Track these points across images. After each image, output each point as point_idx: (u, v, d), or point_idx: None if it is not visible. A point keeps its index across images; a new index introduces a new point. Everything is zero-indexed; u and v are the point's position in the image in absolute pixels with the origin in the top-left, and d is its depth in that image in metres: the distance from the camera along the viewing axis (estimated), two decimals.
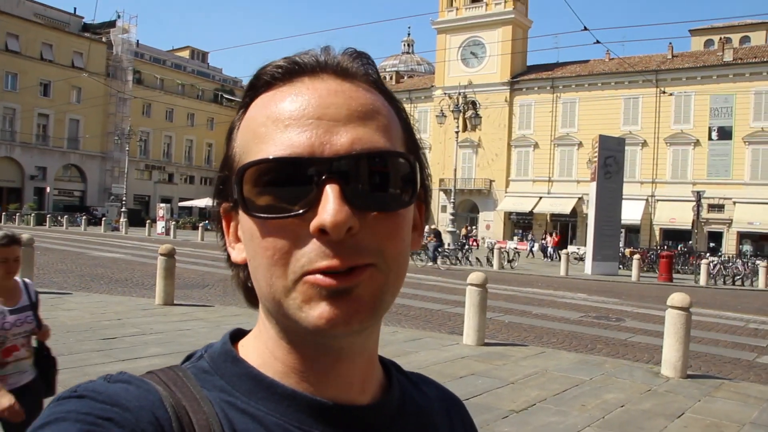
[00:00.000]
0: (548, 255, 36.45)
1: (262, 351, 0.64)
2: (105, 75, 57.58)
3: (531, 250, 40.48)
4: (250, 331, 0.69)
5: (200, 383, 0.61)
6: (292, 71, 0.61)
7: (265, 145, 0.57)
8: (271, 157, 0.56)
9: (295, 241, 0.56)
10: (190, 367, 0.65)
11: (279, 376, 0.62)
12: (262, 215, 0.57)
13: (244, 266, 0.65)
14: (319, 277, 0.55)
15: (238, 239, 0.65)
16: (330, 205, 0.54)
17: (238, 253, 0.65)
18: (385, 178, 0.58)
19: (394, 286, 0.60)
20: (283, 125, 0.57)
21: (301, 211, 0.55)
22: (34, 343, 3.39)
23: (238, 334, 0.69)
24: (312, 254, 0.55)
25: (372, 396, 0.67)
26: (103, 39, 58.63)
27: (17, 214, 45.21)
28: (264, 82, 0.63)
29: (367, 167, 0.57)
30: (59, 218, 45.45)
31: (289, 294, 0.57)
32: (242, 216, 0.60)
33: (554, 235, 38.65)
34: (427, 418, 0.72)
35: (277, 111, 0.59)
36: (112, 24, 59.39)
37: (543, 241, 39.54)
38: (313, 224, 0.54)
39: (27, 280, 3.48)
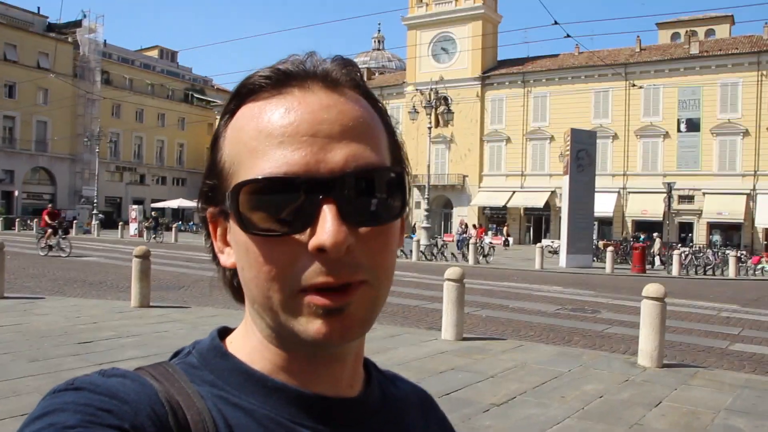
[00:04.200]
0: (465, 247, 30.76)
1: (252, 349, 0.65)
2: (72, 76, 56.63)
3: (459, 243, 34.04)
4: (236, 328, 0.70)
5: (189, 378, 0.62)
6: (280, 80, 0.61)
7: (259, 161, 0.58)
8: (266, 175, 0.57)
9: (292, 259, 0.57)
10: (179, 362, 0.65)
11: (268, 371, 0.63)
12: (260, 233, 0.57)
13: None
14: (315, 297, 0.57)
15: (226, 243, 0.65)
16: (328, 225, 0.55)
17: (227, 258, 0.66)
18: (378, 194, 0.59)
19: (384, 297, 0.62)
20: (276, 141, 0.58)
21: (298, 230, 0.56)
22: None
23: (225, 331, 0.70)
24: (309, 271, 0.56)
25: (357, 391, 0.69)
26: (69, 39, 57.64)
27: None
28: (249, 90, 0.62)
29: (362, 184, 0.58)
30: (28, 222, 44.65)
31: (286, 308, 0.58)
32: (235, 227, 0.60)
33: (478, 226, 37.37)
34: (405, 412, 0.74)
35: (270, 126, 0.59)
36: (78, 24, 58.46)
37: (464, 234, 35.78)
38: (312, 243, 0.56)
39: None
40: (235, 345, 0.66)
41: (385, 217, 0.60)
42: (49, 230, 22.01)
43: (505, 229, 42.63)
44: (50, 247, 21.99)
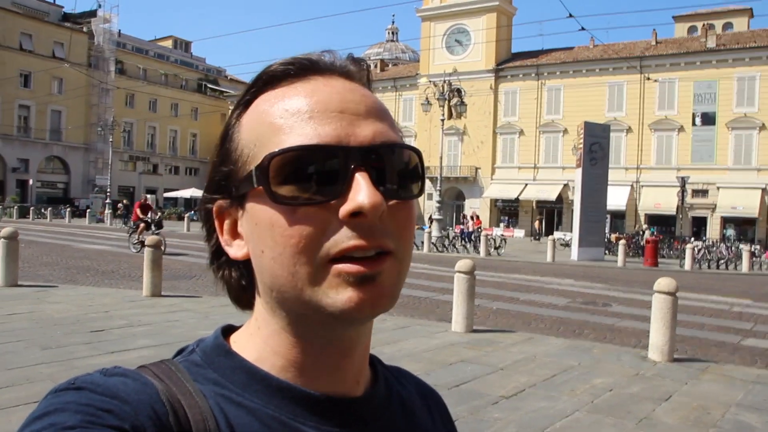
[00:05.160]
0: (470, 239, 30.73)
1: (260, 347, 0.64)
2: (87, 65, 57.02)
3: (462, 235, 32.49)
4: (240, 326, 0.69)
5: (193, 377, 0.61)
6: (305, 68, 0.63)
7: (286, 136, 0.58)
8: (299, 145, 0.58)
9: (322, 228, 0.57)
10: (182, 360, 0.65)
11: (276, 370, 0.63)
12: (291, 202, 0.57)
13: (237, 266, 0.66)
14: (346, 266, 0.56)
15: (235, 236, 0.65)
16: (365, 189, 0.56)
17: (237, 250, 0.65)
18: (402, 170, 0.61)
19: (406, 273, 0.63)
20: (306, 117, 0.59)
21: (332, 198, 0.57)
22: None
23: (229, 330, 0.69)
24: (340, 236, 0.57)
25: (363, 388, 0.69)
26: (84, 29, 58.01)
27: None
28: (270, 78, 0.64)
29: (391, 158, 0.60)
30: (43, 210, 45.05)
31: (314, 280, 0.58)
32: (257, 207, 0.60)
33: (475, 218, 36.79)
34: (410, 409, 0.74)
35: (297, 103, 0.60)
36: (92, 13, 58.77)
37: (462, 226, 35.01)
38: (347, 208, 0.56)
39: None
40: (239, 344, 0.66)
41: (409, 193, 0.62)
42: (142, 225, 19.68)
43: (536, 223, 41.58)
44: (142, 244, 17.38)
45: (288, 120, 0.59)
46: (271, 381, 0.62)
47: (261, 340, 0.64)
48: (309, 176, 0.57)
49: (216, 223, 0.66)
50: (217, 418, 0.58)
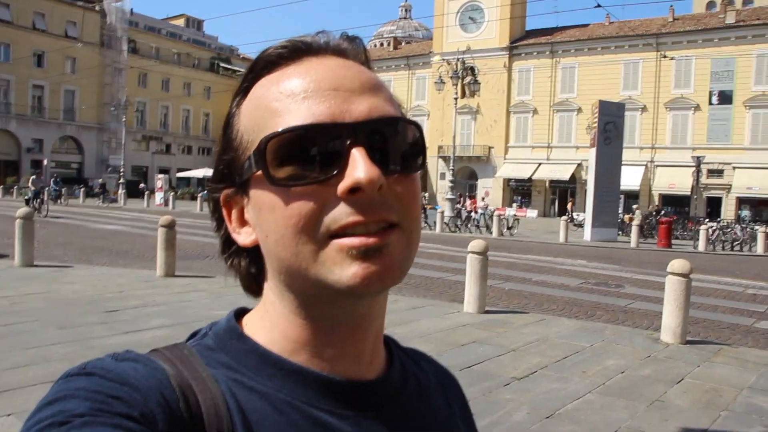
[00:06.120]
0: (468, 217, 29.27)
1: (271, 329, 0.64)
2: (99, 45, 56.99)
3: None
4: (252, 309, 0.70)
5: (205, 361, 0.61)
6: (298, 50, 0.63)
7: (282, 118, 0.58)
8: (295, 125, 0.58)
9: (322, 206, 0.57)
10: (195, 344, 0.64)
11: (287, 353, 0.63)
12: (289, 183, 0.57)
13: (247, 253, 0.67)
14: (348, 240, 0.56)
15: (243, 223, 0.65)
16: (362, 165, 0.56)
17: (245, 237, 0.65)
18: (401, 143, 0.61)
19: (416, 246, 0.62)
20: (300, 98, 0.59)
21: (329, 175, 0.56)
22: None
23: (242, 312, 0.69)
24: (339, 213, 0.57)
25: (378, 370, 0.68)
26: (97, 8, 57.86)
27: (15, 187, 45.03)
28: (266, 63, 0.64)
29: (387, 132, 0.60)
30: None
31: (317, 258, 0.57)
32: (258, 192, 0.60)
33: (468, 197, 35.97)
34: (426, 392, 0.73)
35: (291, 85, 0.60)
36: None
37: (458, 205, 32.10)
38: (344, 184, 0.56)
39: None
40: (251, 326, 0.66)
41: (410, 166, 0.61)
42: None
43: (569, 205, 41.15)
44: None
45: (283, 102, 0.59)
46: (283, 365, 0.62)
47: (270, 324, 0.64)
48: (306, 156, 0.57)
49: (224, 212, 0.67)
50: (229, 403, 0.58)
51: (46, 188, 28.80)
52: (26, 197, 27.55)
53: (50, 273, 10.34)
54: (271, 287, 0.65)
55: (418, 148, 0.63)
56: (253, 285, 0.68)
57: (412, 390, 0.71)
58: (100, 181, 46.93)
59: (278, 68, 0.63)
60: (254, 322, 0.66)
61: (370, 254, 0.57)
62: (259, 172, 0.59)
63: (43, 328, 6.60)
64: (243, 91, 0.65)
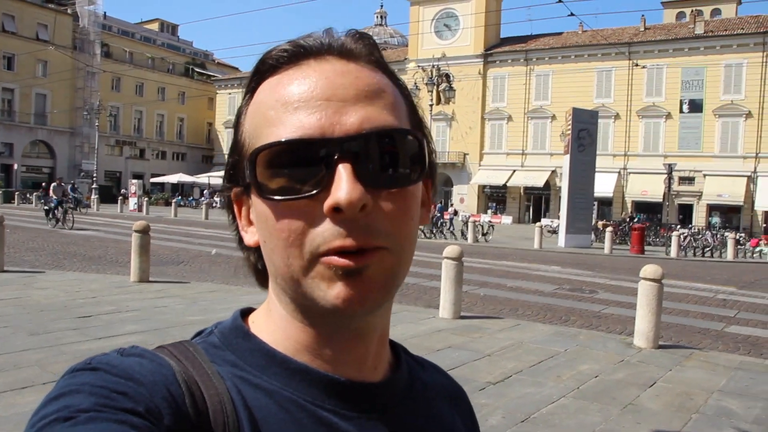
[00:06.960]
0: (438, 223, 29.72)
1: (274, 329, 0.65)
2: (72, 48, 56.17)
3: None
4: (257, 308, 0.70)
5: (211, 358, 0.61)
6: (297, 54, 0.62)
7: (276, 129, 0.58)
8: (282, 139, 0.57)
9: (310, 222, 0.56)
10: (200, 342, 0.65)
11: (291, 353, 0.63)
12: (275, 198, 0.57)
13: (255, 249, 0.67)
14: (334, 258, 0.56)
15: (250, 223, 0.66)
16: (344, 184, 0.54)
17: (250, 237, 0.66)
18: (394, 156, 0.59)
19: (406, 265, 0.61)
20: (292, 108, 0.58)
21: (314, 192, 0.56)
22: None
23: (247, 312, 0.70)
24: (326, 234, 0.56)
25: (383, 374, 0.68)
26: (69, 11, 57.07)
27: None
28: (269, 66, 0.63)
29: (377, 146, 0.58)
30: (28, 195, 44.63)
31: (306, 274, 0.57)
32: (255, 199, 0.61)
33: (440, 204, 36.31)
34: (433, 400, 0.74)
35: (286, 94, 0.59)
36: None
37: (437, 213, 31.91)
38: (327, 203, 0.55)
39: None
40: (257, 325, 0.67)
41: (403, 180, 0.59)
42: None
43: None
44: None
45: (277, 112, 0.59)
46: (289, 363, 0.62)
47: (274, 324, 0.65)
48: (294, 170, 0.57)
49: (235, 209, 0.68)
50: (234, 400, 0.58)
51: (71, 197, 26.52)
52: (45, 207, 25.35)
53: (21, 278, 10.17)
54: (272, 288, 0.66)
55: (416, 158, 0.60)
56: (265, 280, 0.69)
57: (418, 396, 0.72)
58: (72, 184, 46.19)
59: (280, 71, 0.62)
60: (259, 322, 0.67)
61: (352, 275, 0.56)
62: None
63: (14, 334, 6.49)
64: (251, 90, 0.65)
